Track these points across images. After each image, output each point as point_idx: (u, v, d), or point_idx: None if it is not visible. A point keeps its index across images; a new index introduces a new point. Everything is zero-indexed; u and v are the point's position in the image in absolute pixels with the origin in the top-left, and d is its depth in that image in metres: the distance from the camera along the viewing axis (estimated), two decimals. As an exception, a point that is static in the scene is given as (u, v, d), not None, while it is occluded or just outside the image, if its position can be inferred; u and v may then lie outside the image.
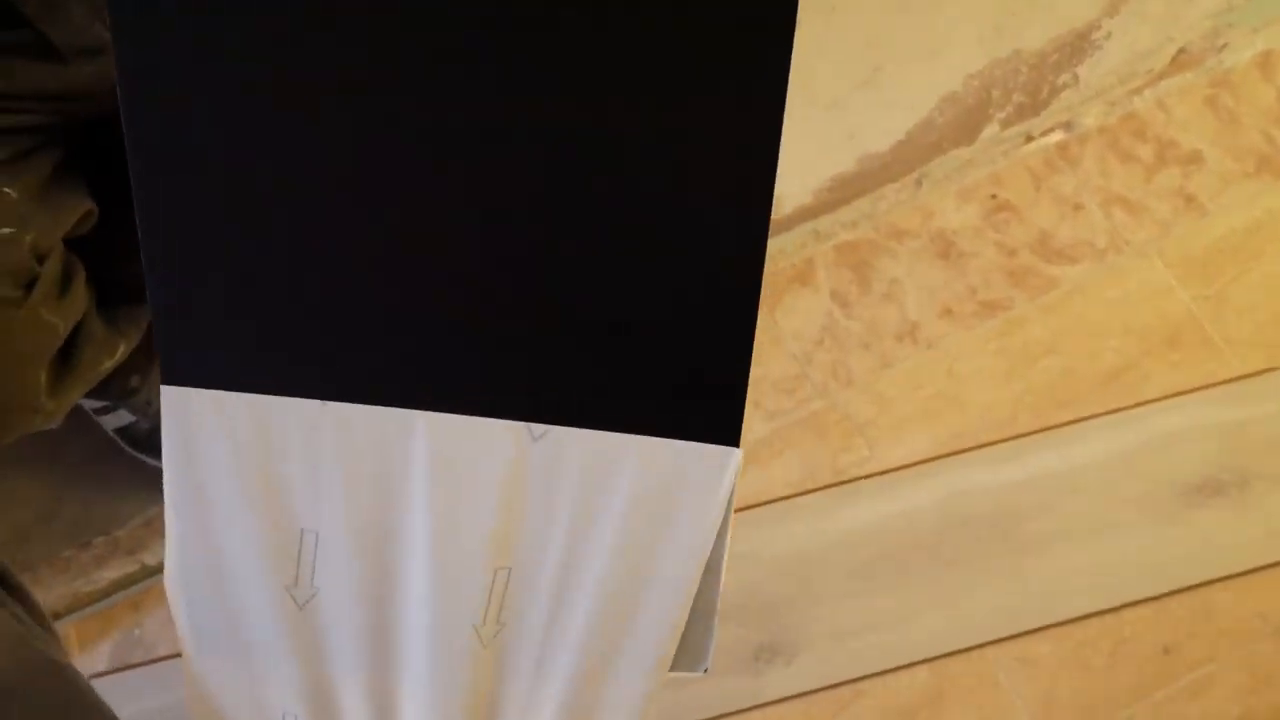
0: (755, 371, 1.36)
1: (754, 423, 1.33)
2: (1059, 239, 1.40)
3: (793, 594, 1.24)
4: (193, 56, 0.54)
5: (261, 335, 0.59)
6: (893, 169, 1.30)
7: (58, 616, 1.27)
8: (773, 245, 1.35)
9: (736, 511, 1.29)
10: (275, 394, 0.59)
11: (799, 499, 1.29)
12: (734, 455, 0.61)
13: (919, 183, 1.38)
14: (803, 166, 1.19)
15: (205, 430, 0.59)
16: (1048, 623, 1.23)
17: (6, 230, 0.70)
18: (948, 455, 1.30)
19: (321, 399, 0.59)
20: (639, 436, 0.60)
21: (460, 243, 0.58)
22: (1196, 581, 1.24)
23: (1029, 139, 1.41)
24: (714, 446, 0.60)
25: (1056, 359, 1.34)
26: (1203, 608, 1.23)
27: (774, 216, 1.26)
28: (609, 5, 0.54)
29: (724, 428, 0.61)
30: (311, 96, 0.55)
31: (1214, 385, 1.32)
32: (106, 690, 1.21)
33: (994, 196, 1.43)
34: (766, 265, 1.42)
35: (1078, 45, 1.21)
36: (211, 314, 0.58)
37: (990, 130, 1.32)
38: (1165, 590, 1.24)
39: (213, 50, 0.54)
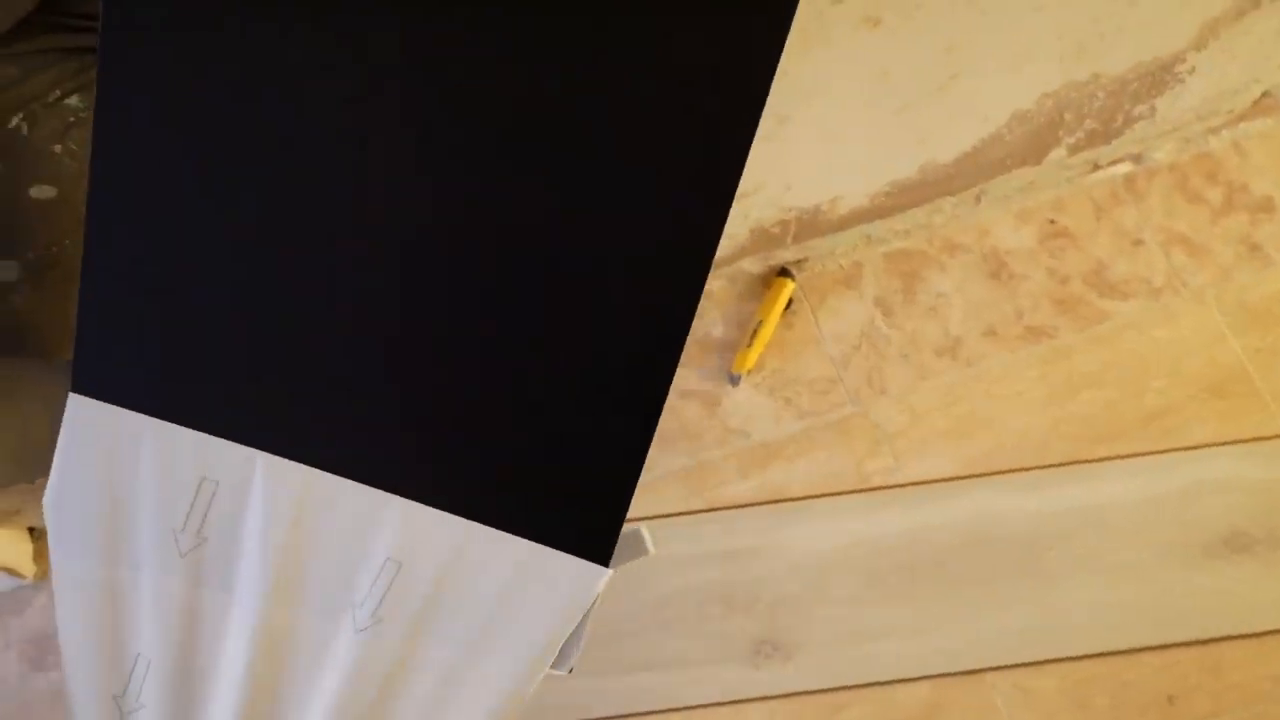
0: (792, 369, 1.35)
1: (784, 419, 1.32)
2: (1114, 272, 1.37)
3: (801, 593, 1.24)
4: (171, 100, 0.57)
5: (166, 362, 0.61)
6: (954, 181, 1.28)
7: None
8: (823, 245, 1.34)
9: (758, 504, 1.29)
10: (169, 420, 0.61)
11: (819, 500, 1.28)
12: (604, 576, 0.62)
13: (978, 198, 1.36)
14: (863, 167, 1.17)
15: (91, 458, 0.62)
16: (1054, 656, 1.21)
17: None
18: (975, 476, 1.29)
19: (208, 433, 0.61)
20: (512, 537, 0.61)
21: (376, 310, 0.60)
22: (1210, 635, 1.22)
23: (1096, 167, 1.39)
24: (587, 563, 0.61)
25: (1098, 393, 1.32)
26: (1213, 662, 1.21)
27: (830, 215, 1.25)
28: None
29: (599, 547, 0.62)
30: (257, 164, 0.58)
31: (1256, 440, 1.29)
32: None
33: (1053, 222, 1.41)
34: (816, 264, 1.41)
35: (1160, 77, 1.19)
36: (128, 333, 0.61)
37: (1057, 153, 1.30)
38: (1177, 640, 1.22)
39: (191, 97, 0.57)
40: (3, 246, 0.85)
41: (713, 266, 1.30)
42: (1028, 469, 1.29)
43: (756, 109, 0.57)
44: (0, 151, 0.82)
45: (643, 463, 0.61)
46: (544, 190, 0.58)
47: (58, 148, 0.84)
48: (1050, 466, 1.29)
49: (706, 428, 1.32)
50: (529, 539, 0.61)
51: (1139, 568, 1.24)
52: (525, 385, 0.60)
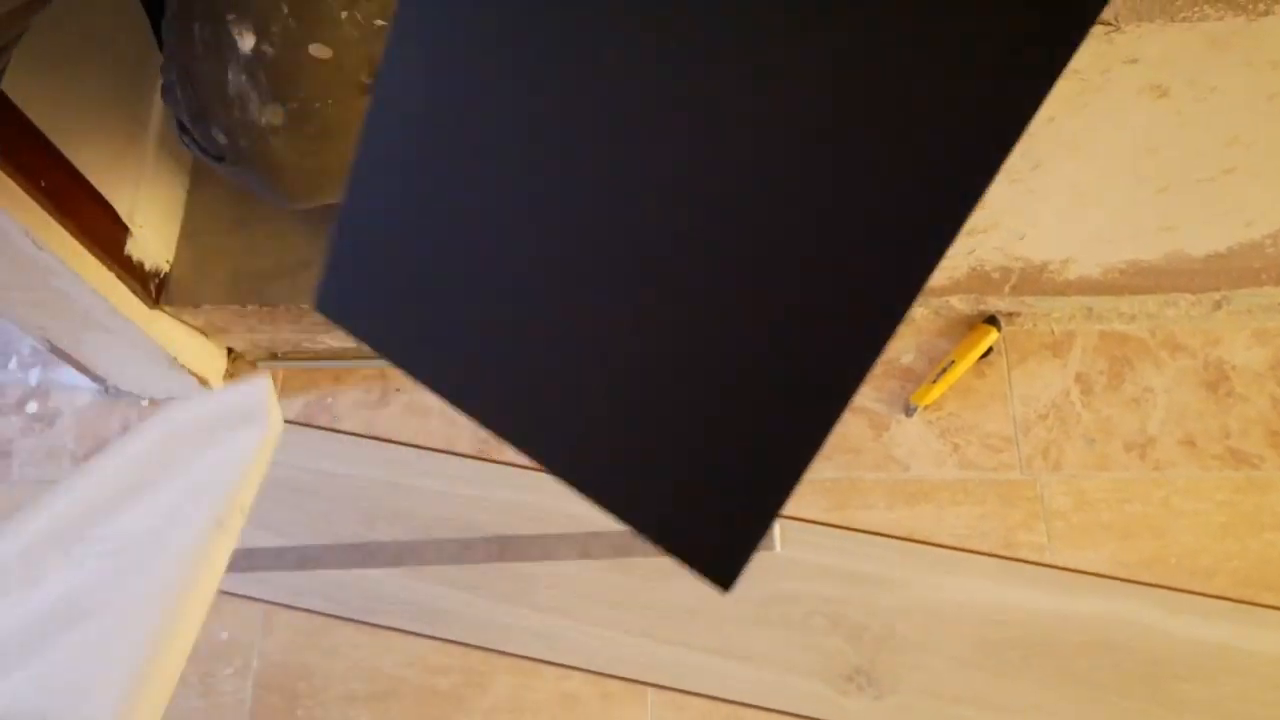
0: (970, 417, 1.32)
1: (947, 464, 1.29)
2: (1345, 421, 1.28)
3: (913, 638, 1.22)
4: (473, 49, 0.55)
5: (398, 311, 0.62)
6: (1197, 280, 1.22)
7: (275, 358, 1.40)
8: (1039, 304, 1.30)
9: (895, 537, 1.27)
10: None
11: (958, 554, 1.25)
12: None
13: (1219, 305, 1.29)
14: (1105, 238, 1.13)
15: None
16: (1153, 787, 1.16)
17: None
18: (1126, 580, 1.23)
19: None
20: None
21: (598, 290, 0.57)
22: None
23: (1360, 308, 1.29)
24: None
25: (1285, 538, 1.24)
26: None
27: (1055, 277, 1.21)
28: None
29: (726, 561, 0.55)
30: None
31: None
32: (286, 437, 1.32)
33: (1294, 351, 1.32)
34: (1026, 322, 1.36)
35: None
36: (371, 274, 0.62)
37: (1321, 282, 1.21)
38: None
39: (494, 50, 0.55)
40: (276, 92, 0.93)
41: (918, 298, 1.28)
42: (1184, 591, 1.22)
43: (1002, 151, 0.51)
44: (294, 7, 0.89)
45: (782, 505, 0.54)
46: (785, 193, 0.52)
47: (344, 14, 0.91)
48: (1209, 596, 1.21)
49: (868, 448, 1.31)
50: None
51: (1273, 729, 1.16)
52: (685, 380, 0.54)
